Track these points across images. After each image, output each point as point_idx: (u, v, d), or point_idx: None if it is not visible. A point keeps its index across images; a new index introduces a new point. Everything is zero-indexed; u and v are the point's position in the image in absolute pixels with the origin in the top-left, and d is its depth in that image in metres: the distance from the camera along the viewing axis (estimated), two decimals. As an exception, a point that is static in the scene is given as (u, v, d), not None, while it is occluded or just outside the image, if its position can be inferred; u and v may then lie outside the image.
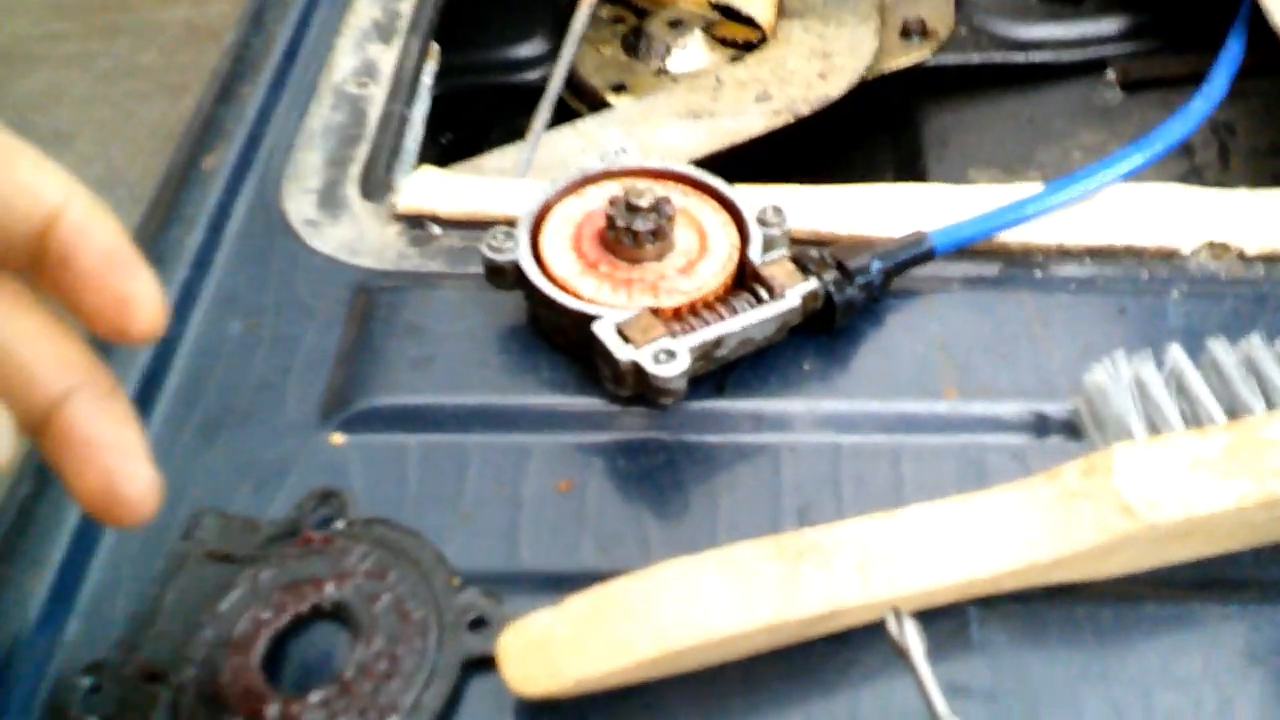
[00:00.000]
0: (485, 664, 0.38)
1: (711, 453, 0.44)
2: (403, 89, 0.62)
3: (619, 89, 0.83)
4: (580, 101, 0.83)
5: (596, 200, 0.49)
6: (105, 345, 0.44)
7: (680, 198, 0.50)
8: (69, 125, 1.79)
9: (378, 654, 0.39)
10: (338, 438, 0.45)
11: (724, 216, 0.49)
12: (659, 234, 0.46)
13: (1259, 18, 0.68)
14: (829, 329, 0.47)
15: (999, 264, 0.52)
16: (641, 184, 0.48)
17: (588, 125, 0.76)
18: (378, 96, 0.62)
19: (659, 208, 0.46)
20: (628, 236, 0.46)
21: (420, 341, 0.48)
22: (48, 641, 0.40)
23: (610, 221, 0.46)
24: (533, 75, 0.87)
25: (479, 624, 0.39)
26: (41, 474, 0.44)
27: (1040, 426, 0.45)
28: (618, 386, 0.44)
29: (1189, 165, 0.78)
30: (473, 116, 0.87)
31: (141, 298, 0.31)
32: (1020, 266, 0.52)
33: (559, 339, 0.47)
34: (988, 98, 0.87)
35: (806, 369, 0.47)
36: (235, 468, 0.44)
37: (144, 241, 0.53)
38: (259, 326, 0.50)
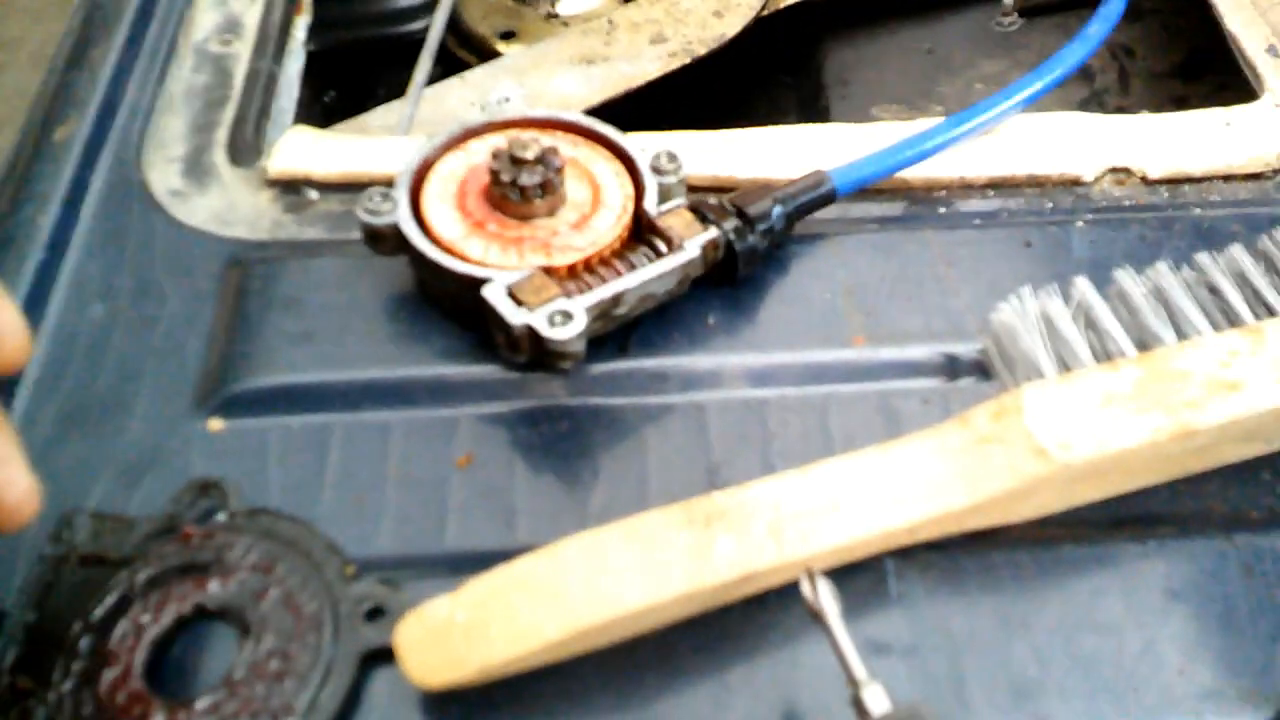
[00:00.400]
0: (386, 656, 0.36)
1: (617, 416, 0.42)
2: (270, 45, 0.58)
3: (508, 36, 0.79)
4: (468, 51, 0.80)
5: (480, 154, 0.46)
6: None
7: (569, 148, 0.47)
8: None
9: (269, 653, 0.36)
10: (215, 423, 0.42)
11: (617, 166, 0.46)
12: (547, 187, 0.44)
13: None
14: (732, 279, 0.45)
15: (903, 202, 0.51)
16: (526, 135, 0.46)
17: (476, 76, 0.73)
18: (243, 54, 0.58)
19: (545, 159, 0.44)
20: (514, 192, 0.43)
21: (300, 315, 0.45)
22: (-96, 665, 0.37)
23: (495, 176, 0.44)
24: (417, 25, 0.83)
25: (376, 614, 0.37)
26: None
27: (951, 368, 0.43)
28: (513, 353, 0.42)
29: (1089, 90, 0.77)
30: (356, 72, 0.83)
31: (3, 332, 0.32)
32: (924, 204, 0.50)
33: (448, 305, 0.44)
34: (887, 30, 0.85)
35: (711, 323, 0.45)
36: (105, 462, 0.41)
37: (-10, 222, 0.49)
38: (123, 308, 0.46)
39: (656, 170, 0.45)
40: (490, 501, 0.40)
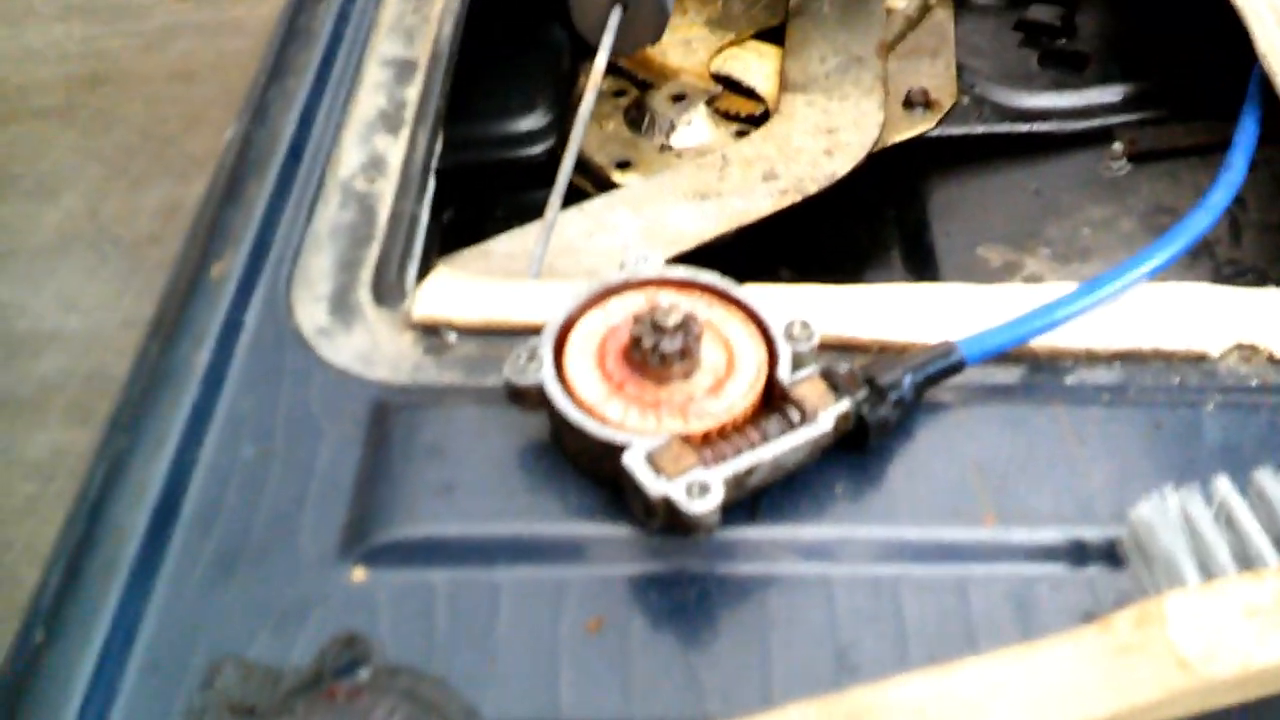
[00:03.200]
0: (521, 827, 0.36)
1: (746, 585, 0.43)
2: (412, 184, 0.61)
3: (624, 166, 0.82)
4: (585, 179, 0.83)
5: (619, 313, 0.48)
6: (117, 465, 0.43)
7: (705, 308, 0.48)
8: (53, 179, 1.77)
9: (409, 818, 0.37)
10: (359, 573, 0.44)
11: (751, 329, 0.48)
12: (687, 354, 0.45)
13: (1270, 91, 0.68)
14: (861, 448, 0.46)
15: (1025, 368, 0.51)
16: (666, 299, 0.47)
17: (595, 206, 0.75)
18: (387, 193, 0.60)
19: (686, 326, 0.45)
20: (654, 357, 0.45)
21: (441, 465, 0.47)
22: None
23: (636, 341, 0.45)
24: (535, 150, 0.86)
25: (513, 783, 0.38)
26: (54, 621, 0.42)
27: (1079, 554, 0.44)
28: (649, 518, 0.43)
29: (1201, 242, 0.77)
30: (474, 192, 0.86)
31: None
32: (1047, 373, 0.51)
33: (584, 461, 0.46)
34: (993, 169, 0.86)
35: (839, 491, 0.46)
36: (254, 607, 0.43)
37: (152, 358, 0.51)
38: (272, 450, 0.48)
39: (790, 337, 0.47)
40: (621, 669, 0.41)
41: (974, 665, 0.36)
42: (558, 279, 0.70)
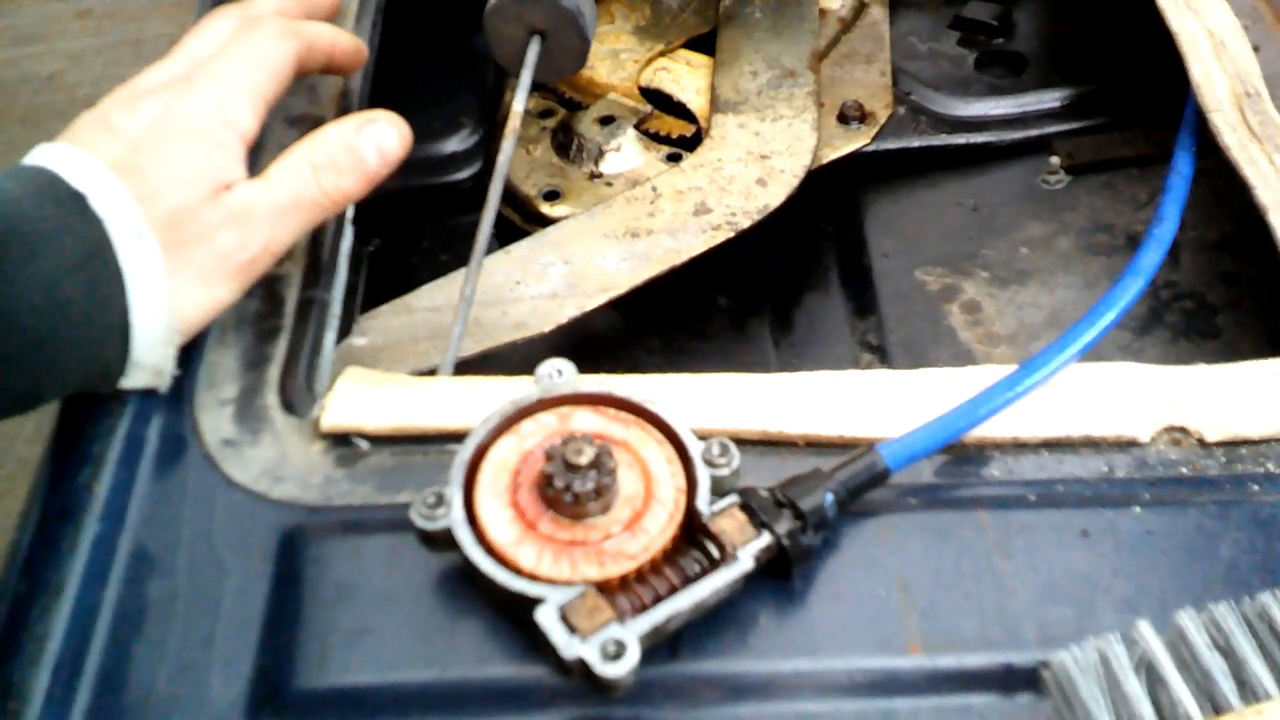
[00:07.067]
0: None
1: (669, 730, 0.42)
2: (323, 269, 0.58)
3: (552, 196, 0.79)
4: (512, 209, 0.80)
5: (532, 437, 0.46)
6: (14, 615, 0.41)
7: (621, 429, 0.47)
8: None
9: None
10: (270, 729, 0.43)
11: (669, 451, 0.46)
12: (601, 491, 0.44)
13: (1203, 121, 0.67)
14: (785, 575, 0.45)
15: (948, 458, 0.50)
16: (580, 421, 0.46)
17: (521, 251, 0.73)
18: (294, 275, 0.58)
19: (600, 464, 0.43)
20: (568, 496, 0.43)
21: (354, 606, 0.45)
22: None
23: (548, 479, 0.44)
24: (462, 175, 0.83)
25: None
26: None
27: (1009, 681, 0.43)
28: (565, 676, 0.42)
29: (1137, 266, 0.76)
30: (400, 219, 0.83)
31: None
32: (973, 464, 0.50)
33: (498, 602, 0.44)
34: (930, 182, 0.84)
35: (762, 622, 0.45)
36: (162, 773, 0.42)
37: (47, 486, 0.49)
38: (177, 588, 0.46)
39: (709, 463, 0.45)
40: (543, 829, 0.40)
41: None
42: (483, 335, 0.68)
